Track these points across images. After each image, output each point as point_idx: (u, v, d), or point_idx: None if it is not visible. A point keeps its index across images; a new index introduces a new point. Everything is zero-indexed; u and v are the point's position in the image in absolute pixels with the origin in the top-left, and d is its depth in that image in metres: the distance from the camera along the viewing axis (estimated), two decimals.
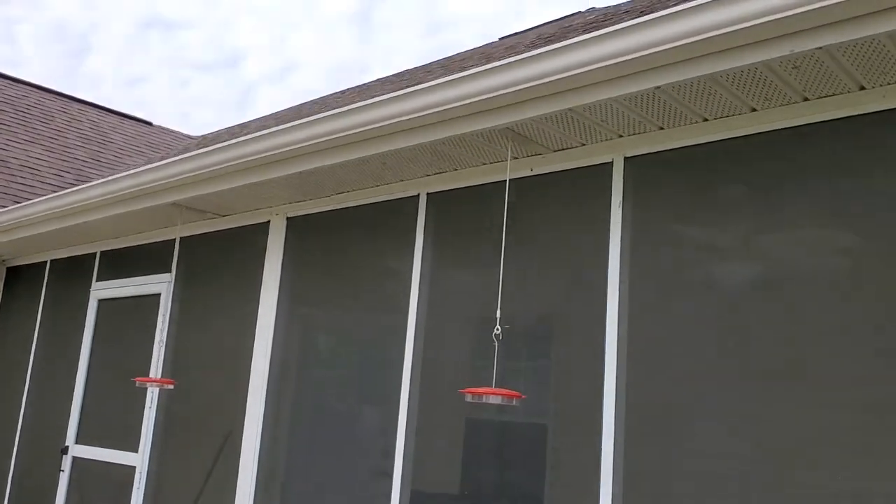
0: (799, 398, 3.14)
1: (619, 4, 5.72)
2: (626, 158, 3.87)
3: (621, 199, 3.84)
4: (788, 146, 3.38)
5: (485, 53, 5.82)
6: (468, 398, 3.51)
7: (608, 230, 3.85)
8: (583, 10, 7.74)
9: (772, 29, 2.83)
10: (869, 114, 3.17)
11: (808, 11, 2.71)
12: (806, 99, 3.30)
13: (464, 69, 3.81)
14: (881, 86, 3.12)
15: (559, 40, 3.65)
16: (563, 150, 4.08)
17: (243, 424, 5.42)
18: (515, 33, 8.42)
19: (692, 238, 3.60)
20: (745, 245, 3.42)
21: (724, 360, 3.38)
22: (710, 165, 3.60)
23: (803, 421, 3.11)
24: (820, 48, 2.82)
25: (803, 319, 3.19)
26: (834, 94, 3.23)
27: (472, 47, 8.09)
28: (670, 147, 3.74)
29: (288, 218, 5.57)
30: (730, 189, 3.51)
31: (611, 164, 3.91)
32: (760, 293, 3.33)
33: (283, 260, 5.52)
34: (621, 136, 3.87)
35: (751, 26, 2.84)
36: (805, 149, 3.33)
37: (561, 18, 7.96)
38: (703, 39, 2.96)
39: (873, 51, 2.87)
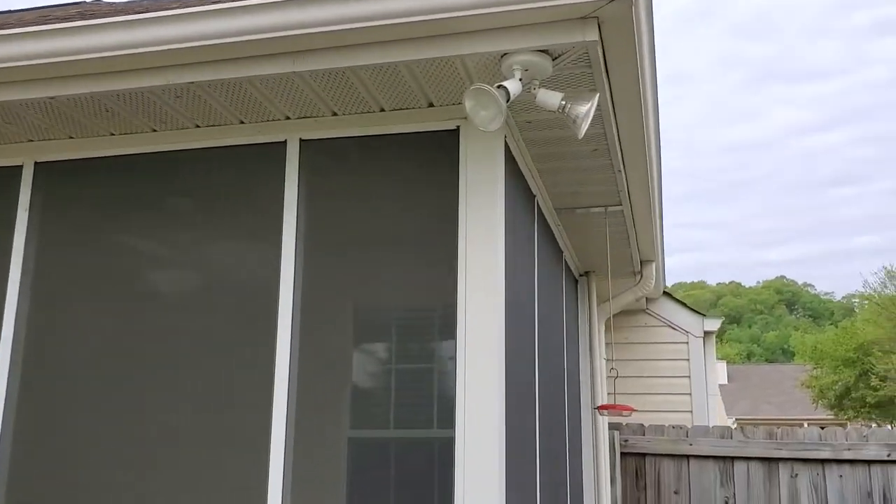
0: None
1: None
2: (37, 163, 3.85)
3: (28, 203, 3.81)
4: (183, 166, 3.71)
5: None
6: None
7: (11, 237, 3.78)
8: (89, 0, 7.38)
9: (149, 60, 3.11)
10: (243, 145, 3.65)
11: (182, 49, 3.04)
12: (197, 126, 3.66)
13: None
14: (255, 122, 3.62)
15: None
16: None
17: None
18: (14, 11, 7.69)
19: (95, 247, 3.73)
20: (146, 257, 3.66)
21: (115, 361, 3.57)
22: (118, 177, 3.77)
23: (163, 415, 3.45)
24: (192, 83, 3.18)
25: (180, 328, 3.54)
26: (219, 125, 3.65)
27: None
28: (81, 157, 3.82)
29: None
30: (129, 201, 3.73)
31: (20, 167, 3.86)
32: (158, 302, 3.60)
33: None
34: (31, 141, 3.84)
35: (131, 54, 3.08)
36: (197, 170, 3.69)
37: (55, 6, 7.48)
38: (95, 59, 3.12)
39: (239, 90, 3.32)
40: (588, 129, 3.24)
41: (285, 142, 3.59)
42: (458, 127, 3.38)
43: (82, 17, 3.49)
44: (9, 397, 3.63)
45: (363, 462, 3.32)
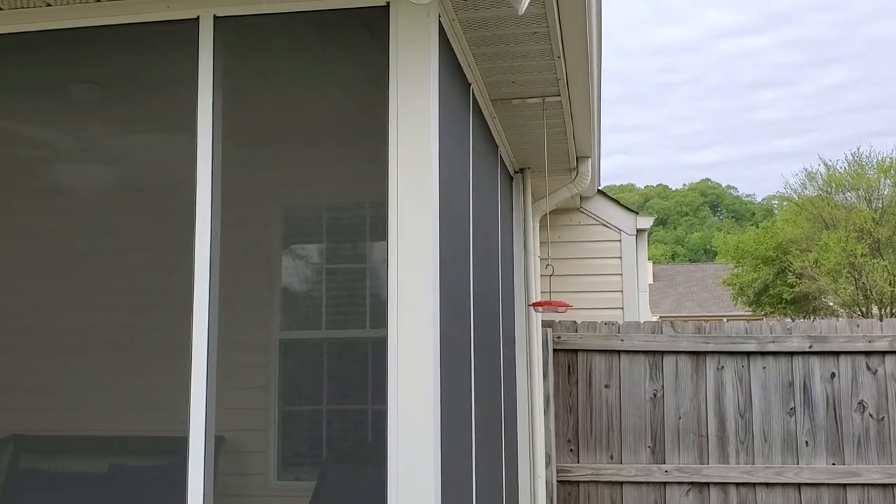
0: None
1: None
2: None
3: None
4: (86, 45, 3.35)
5: None
6: None
7: None
8: None
9: None
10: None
11: None
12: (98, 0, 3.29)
13: None
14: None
15: None
16: None
17: None
18: None
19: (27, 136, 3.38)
20: (69, 145, 3.33)
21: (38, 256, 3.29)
22: (8, 59, 3.39)
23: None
24: None
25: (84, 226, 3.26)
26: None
27: None
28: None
29: None
30: (24, 86, 3.37)
31: None
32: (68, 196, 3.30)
33: None
34: None
35: None
36: (101, 49, 3.34)
37: None
38: None
39: None
40: (528, 9, 3.01)
41: (198, 18, 3.25)
42: (388, 3, 3.10)
43: None
44: None
45: (294, 364, 3.17)
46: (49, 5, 3.32)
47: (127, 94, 3.30)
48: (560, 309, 4.44)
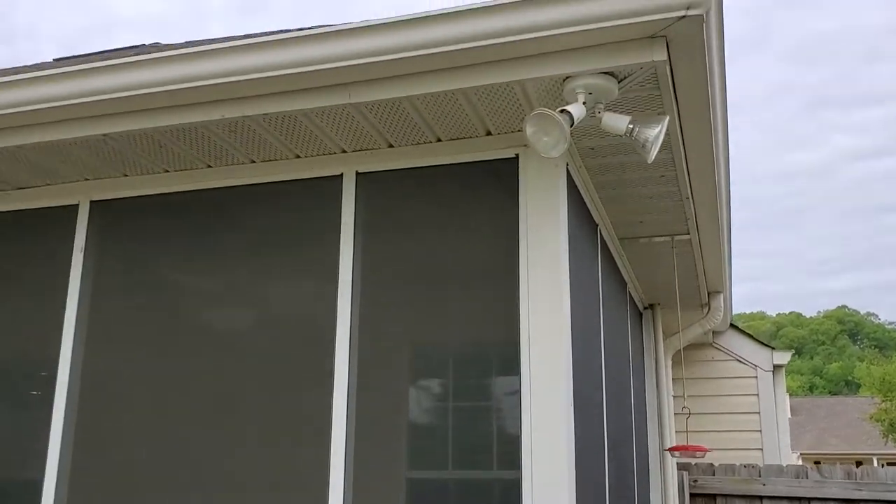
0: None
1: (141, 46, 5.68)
2: (92, 202, 3.83)
3: (84, 243, 3.77)
4: (239, 202, 3.64)
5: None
6: None
7: (68, 276, 3.75)
8: (147, 43, 7.51)
9: (202, 94, 3.05)
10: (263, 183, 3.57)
11: (231, 82, 2.98)
12: (253, 161, 3.60)
13: None
14: (310, 156, 3.53)
15: (15, 74, 3.50)
16: (26, 188, 3.90)
17: None
18: (82, 55, 7.86)
19: (149, 285, 3.67)
20: (195, 295, 3.59)
21: (168, 399, 3.48)
22: (173, 215, 3.72)
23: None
24: (247, 116, 3.11)
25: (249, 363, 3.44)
26: (274, 160, 3.58)
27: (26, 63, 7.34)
28: (136, 195, 3.79)
29: None
30: (181, 239, 3.67)
31: (76, 206, 3.84)
32: (205, 339, 3.52)
33: None
34: (87, 180, 3.82)
35: (191, 87, 3.03)
36: (253, 205, 3.62)
37: (128, 48, 7.64)
38: (147, 94, 3.08)
39: (294, 124, 3.24)
40: (655, 155, 3.08)
41: (341, 175, 3.50)
42: (517, 155, 3.25)
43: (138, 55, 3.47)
44: (65, 437, 3.56)
45: None
46: (209, 167, 3.66)
47: (273, 244, 3.54)
48: (698, 454, 4.24)
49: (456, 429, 3.20)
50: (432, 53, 2.77)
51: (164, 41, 5.88)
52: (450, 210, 3.36)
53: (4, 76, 3.33)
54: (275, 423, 3.34)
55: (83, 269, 3.74)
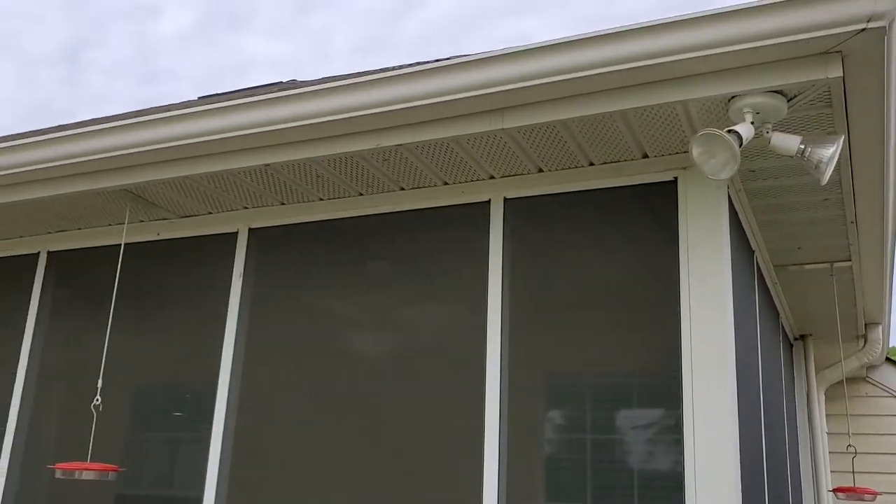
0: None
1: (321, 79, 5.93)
2: (250, 230, 3.99)
3: (242, 269, 3.93)
4: (388, 229, 3.71)
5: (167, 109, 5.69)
6: (58, 474, 3.31)
7: (227, 299, 3.91)
8: (285, 80, 7.88)
9: (361, 123, 3.13)
10: (449, 206, 3.59)
11: (387, 112, 3.04)
12: (402, 189, 3.65)
13: (80, 127, 3.70)
14: (459, 182, 3.55)
15: (186, 108, 3.71)
16: (190, 216, 4.10)
17: None
18: (221, 93, 8.33)
19: (302, 310, 3.77)
20: (345, 320, 3.66)
21: (320, 423, 3.55)
22: (325, 242, 3.82)
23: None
24: (400, 145, 3.16)
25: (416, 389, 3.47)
26: (423, 187, 3.62)
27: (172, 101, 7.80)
28: (291, 222, 3.92)
29: None
30: (335, 266, 3.76)
31: (235, 234, 4.00)
32: (353, 365, 3.57)
33: None
34: (246, 209, 3.99)
35: (342, 119, 3.11)
36: (401, 232, 3.68)
37: (267, 84, 8.03)
38: (310, 125, 3.18)
39: (447, 151, 3.27)
40: None
41: (489, 201, 3.50)
42: (676, 178, 3.15)
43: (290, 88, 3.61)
44: (223, 453, 3.69)
45: None
46: (360, 195, 3.75)
47: (424, 270, 3.57)
48: (867, 497, 3.95)
49: (612, 462, 3.11)
50: (592, 75, 2.73)
51: (298, 79, 6.11)
52: (601, 236, 3.29)
53: (172, 111, 3.53)
54: (424, 450, 3.35)
55: (241, 293, 3.89)
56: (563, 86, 2.79)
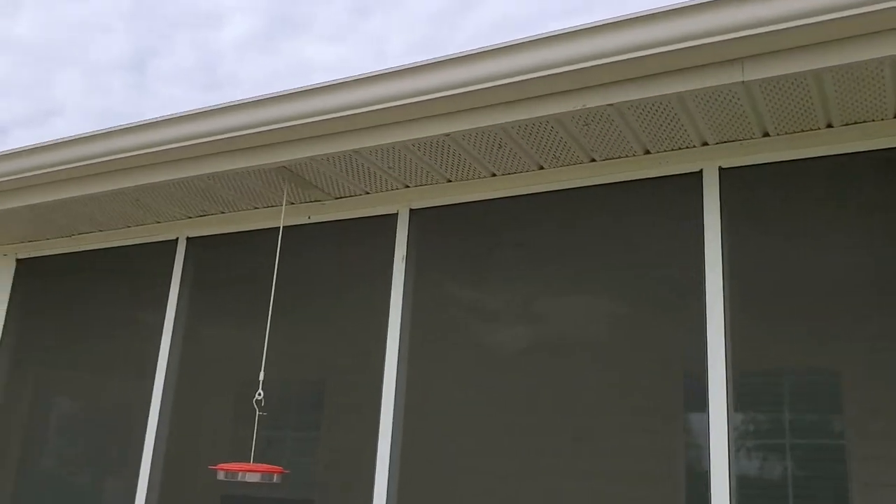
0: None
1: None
2: (411, 210, 3.61)
3: (405, 253, 3.56)
4: (573, 206, 3.28)
5: None
6: (220, 475, 3.00)
7: (390, 286, 3.54)
8: None
9: (564, 82, 2.71)
10: (651, 178, 3.15)
11: (600, 66, 2.62)
12: (593, 160, 3.22)
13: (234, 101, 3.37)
14: (662, 151, 3.11)
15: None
16: (345, 197, 3.75)
17: None
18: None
19: (472, 297, 3.38)
20: (521, 306, 3.25)
21: (493, 419, 3.15)
22: (495, 221, 3.42)
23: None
24: (611, 105, 2.73)
25: (573, 382, 3.05)
26: (619, 157, 3.18)
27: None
28: (458, 201, 3.53)
29: (17, 260, 4.74)
30: (511, 247, 3.36)
31: (396, 215, 3.63)
32: (532, 355, 3.16)
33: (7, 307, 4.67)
34: (408, 187, 3.61)
35: (544, 76, 2.70)
36: (591, 210, 3.25)
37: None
38: (495, 86, 2.79)
39: (662, 112, 2.83)
40: None
41: (701, 171, 3.04)
42: None
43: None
44: (393, 444, 3.33)
45: None
46: (541, 168, 3.33)
47: (623, 248, 3.14)
48: None
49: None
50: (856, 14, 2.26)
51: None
52: (843, 206, 2.81)
53: (322, 84, 3.17)
54: (618, 452, 2.93)
55: (405, 278, 3.52)
56: (825, 27, 2.32)
